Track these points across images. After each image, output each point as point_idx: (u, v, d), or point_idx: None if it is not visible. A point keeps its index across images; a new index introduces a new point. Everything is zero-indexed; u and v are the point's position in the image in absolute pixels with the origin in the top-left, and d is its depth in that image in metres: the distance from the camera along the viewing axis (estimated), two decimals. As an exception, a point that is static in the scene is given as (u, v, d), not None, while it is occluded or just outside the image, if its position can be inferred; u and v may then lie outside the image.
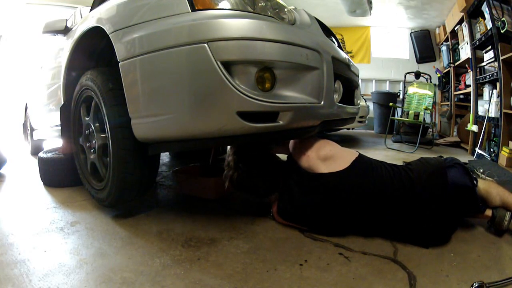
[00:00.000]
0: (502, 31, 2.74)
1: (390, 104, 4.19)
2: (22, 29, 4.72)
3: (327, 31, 1.50)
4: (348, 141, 4.43)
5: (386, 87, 6.30)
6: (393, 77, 6.22)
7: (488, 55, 3.19)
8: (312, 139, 1.23)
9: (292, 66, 1.04)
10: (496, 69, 2.90)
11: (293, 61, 1.03)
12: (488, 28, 3.06)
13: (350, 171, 1.12)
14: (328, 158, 1.16)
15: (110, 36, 1.16)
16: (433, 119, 4.96)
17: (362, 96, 4.50)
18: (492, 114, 3.01)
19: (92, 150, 1.42)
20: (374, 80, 6.35)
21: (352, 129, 5.39)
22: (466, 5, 3.59)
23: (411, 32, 6.07)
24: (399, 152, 3.53)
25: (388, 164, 1.21)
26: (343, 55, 1.48)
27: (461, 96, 4.50)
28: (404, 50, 6.25)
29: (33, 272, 0.90)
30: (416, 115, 4.31)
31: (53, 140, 2.58)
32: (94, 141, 1.38)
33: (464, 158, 3.11)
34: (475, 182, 1.13)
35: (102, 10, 1.27)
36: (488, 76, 3.17)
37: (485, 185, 1.15)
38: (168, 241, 1.11)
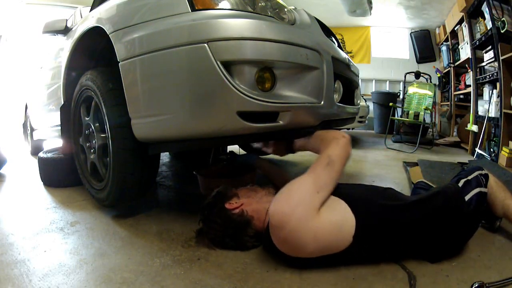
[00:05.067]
0: (502, 31, 2.74)
1: (390, 104, 4.19)
2: (22, 29, 4.72)
3: (327, 31, 1.50)
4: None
5: (386, 87, 6.30)
6: (393, 77, 6.22)
7: (488, 55, 3.19)
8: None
9: (292, 66, 1.04)
10: (496, 69, 2.90)
11: (293, 61, 1.03)
12: (488, 28, 3.06)
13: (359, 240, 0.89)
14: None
15: (110, 36, 1.16)
16: (433, 119, 4.96)
17: (362, 96, 4.50)
18: (492, 114, 3.01)
19: (92, 150, 1.42)
20: (374, 80, 6.35)
21: (352, 129, 5.38)
22: (466, 5, 3.59)
23: (411, 32, 6.07)
24: (399, 152, 3.53)
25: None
26: (343, 55, 1.48)
27: (461, 96, 4.49)
28: (404, 50, 6.25)
29: (33, 272, 0.90)
30: (416, 115, 4.31)
31: (53, 140, 2.58)
32: (94, 141, 1.38)
33: (464, 158, 3.11)
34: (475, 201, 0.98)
35: (102, 10, 1.27)
36: (488, 76, 3.17)
37: (491, 191, 1.06)
38: (168, 241, 1.11)
